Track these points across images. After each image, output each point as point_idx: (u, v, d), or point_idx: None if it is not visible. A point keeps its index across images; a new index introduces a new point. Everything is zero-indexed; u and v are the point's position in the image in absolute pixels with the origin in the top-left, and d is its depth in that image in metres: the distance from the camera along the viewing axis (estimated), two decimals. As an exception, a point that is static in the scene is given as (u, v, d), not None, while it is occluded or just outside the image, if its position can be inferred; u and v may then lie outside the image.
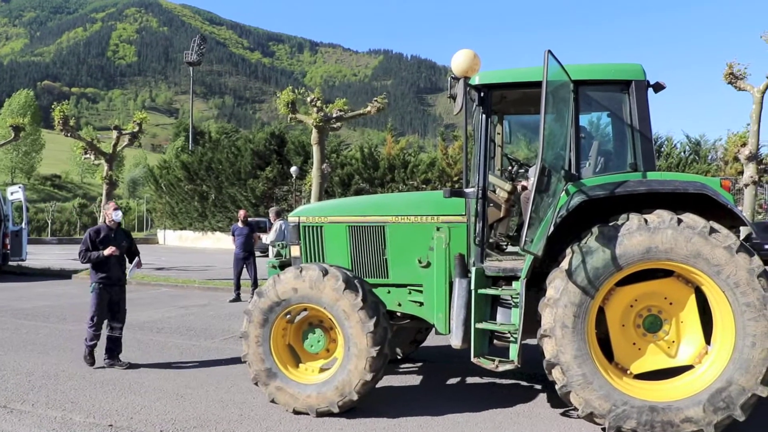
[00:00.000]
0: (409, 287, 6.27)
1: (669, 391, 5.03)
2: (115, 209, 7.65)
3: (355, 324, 5.44)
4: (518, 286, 5.44)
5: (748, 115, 11.23)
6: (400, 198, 7.30)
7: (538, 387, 6.56)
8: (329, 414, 5.53)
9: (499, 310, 5.61)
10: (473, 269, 5.53)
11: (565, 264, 5.09)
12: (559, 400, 5.84)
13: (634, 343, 5.28)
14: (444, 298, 5.92)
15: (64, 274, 18.24)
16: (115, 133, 17.72)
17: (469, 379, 6.92)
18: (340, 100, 14.83)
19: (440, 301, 5.93)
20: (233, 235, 13.06)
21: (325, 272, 5.57)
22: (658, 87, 5.62)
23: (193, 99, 65.55)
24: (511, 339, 5.46)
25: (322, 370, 5.86)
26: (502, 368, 5.29)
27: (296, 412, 5.61)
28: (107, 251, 7.30)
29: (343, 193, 32.96)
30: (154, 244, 42.01)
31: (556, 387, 5.17)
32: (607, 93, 5.67)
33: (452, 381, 6.90)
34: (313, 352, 5.91)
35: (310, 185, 15.00)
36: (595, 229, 5.07)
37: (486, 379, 6.89)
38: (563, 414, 5.68)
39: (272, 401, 5.71)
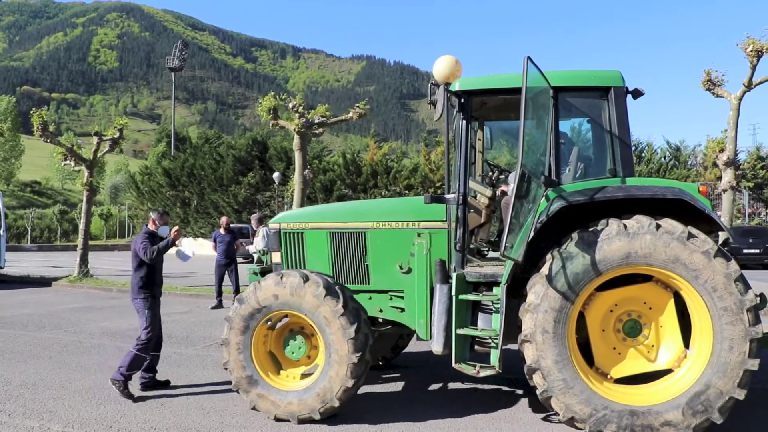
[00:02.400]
0: (390, 293, 6.26)
1: (649, 395, 5.07)
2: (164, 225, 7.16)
3: (336, 330, 5.42)
4: (499, 291, 5.47)
5: (726, 121, 11.42)
6: (381, 204, 7.29)
7: (520, 392, 6.57)
8: (310, 421, 5.49)
9: (480, 315, 5.62)
10: (454, 275, 5.54)
11: (545, 269, 5.11)
12: (541, 405, 5.85)
13: (614, 348, 5.32)
14: (425, 304, 5.92)
15: (43, 282, 17.98)
16: (95, 139, 17.52)
17: (451, 385, 6.92)
18: (322, 106, 14.82)
19: (421, 306, 5.93)
20: (215, 241, 12.97)
21: (306, 278, 5.54)
22: (637, 93, 5.68)
23: (176, 105, 65.25)
24: (492, 344, 5.46)
25: (303, 376, 5.83)
26: (483, 374, 5.29)
27: (277, 419, 5.57)
28: (174, 231, 6.89)
29: (325, 199, 32.91)
30: (136, 250, 41.54)
31: (537, 392, 5.18)
32: (586, 99, 5.73)
33: (434, 387, 6.89)
34: (294, 358, 5.87)
35: (293, 191, 14.94)
36: (574, 235, 5.11)
37: (467, 385, 6.89)
38: (544, 419, 5.69)
39: (253, 408, 5.66)
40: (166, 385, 6.85)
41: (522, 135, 4.85)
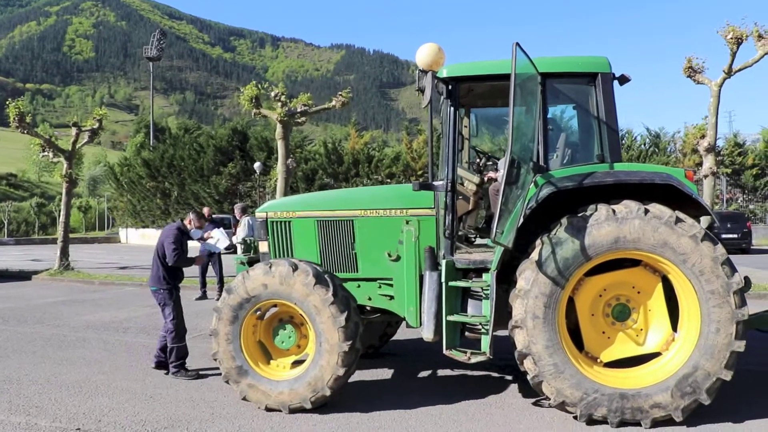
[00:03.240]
0: (378, 281, 6.25)
1: (638, 378, 5.13)
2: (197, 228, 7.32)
3: (326, 319, 5.39)
4: (488, 278, 5.48)
5: (706, 108, 11.55)
6: (369, 192, 7.26)
7: (509, 378, 6.61)
8: (302, 410, 5.48)
9: (470, 302, 5.63)
10: (443, 262, 5.54)
11: (535, 255, 5.13)
12: (531, 390, 5.90)
13: (603, 332, 5.37)
14: (414, 291, 5.92)
15: (23, 276, 17.68)
16: (74, 130, 17.19)
17: (440, 372, 6.94)
18: (304, 95, 14.69)
19: (410, 294, 5.93)
20: (197, 232, 12.82)
21: (295, 267, 5.51)
22: (624, 79, 5.70)
23: (154, 95, 64.24)
24: (482, 331, 5.48)
25: (293, 365, 5.80)
26: (474, 360, 5.32)
27: (268, 409, 5.55)
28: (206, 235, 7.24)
29: (307, 189, 32.75)
30: (116, 243, 41.13)
31: (528, 377, 5.22)
32: (573, 85, 5.73)
33: (424, 374, 6.91)
34: (284, 348, 5.84)
35: (276, 181, 14.83)
36: (564, 220, 5.13)
37: (457, 371, 6.92)
38: (535, 404, 5.73)
39: (244, 399, 5.63)
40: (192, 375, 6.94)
41: (511, 121, 4.84)
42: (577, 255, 5.05)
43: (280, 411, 5.50)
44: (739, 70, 11.15)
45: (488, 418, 5.41)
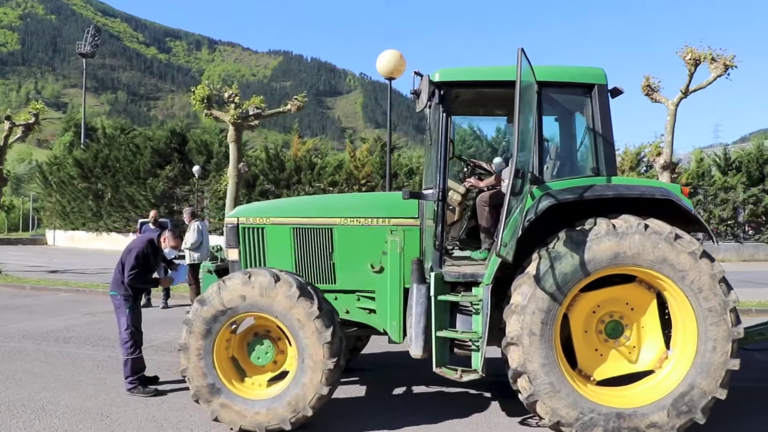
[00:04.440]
0: (358, 293, 5.93)
1: (633, 396, 5.01)
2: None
3: (311, 334, 5.02)
4: (478, 292, 5.26)
5: (663, 126, 11.84)
6: (349, 199, 6.94)
7: (488, 395, 6.40)
8: (280, 432, 5.08)
9: (459, 317, 5.37)
10: (432, 275, 5.27)
11: (532, 269, 4.94)
12: (514, 409, 5.76)
13: (596, 349, 5.23)
14: (398, 304, 5.64)
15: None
16: (7, 124, 15.99)
17: (415, 389, 6.66)
18: (256, 98, 14.19)
19: (394, 307, 5.65)
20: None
21: (277, 278, 5.12)
22: (616, 92, 5.61)
23: (85, 93, 61.39)
24: (473, 347, 5.24)
25: (269, 383, 5.39)
26: (465, 378, 5.06)
27: (242, 431, 5.11)
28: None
29: (247, 194, 31.80)
30: (43, 245, 38.82)
31: (522, 396, 5.01)
32: (569, 96, 5.60)
33: (398, 391, 6.61)
34: (259, 364, 5.42)
35: (226, 185, 14.23)
36: (562, 234, 4.97)
37: (432, 388, 6.66)
38: (522, 423, 5.54)
39: (215, 420, 5.17)
40: (155, 381, 6.52)
41: (517, 130, 4.66)
42: (576, 270, 4.89)
43: (256, 433, 5.09)
44: (694, 90, 11.51)
45: (478, 439, 5.16)
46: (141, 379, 6.28)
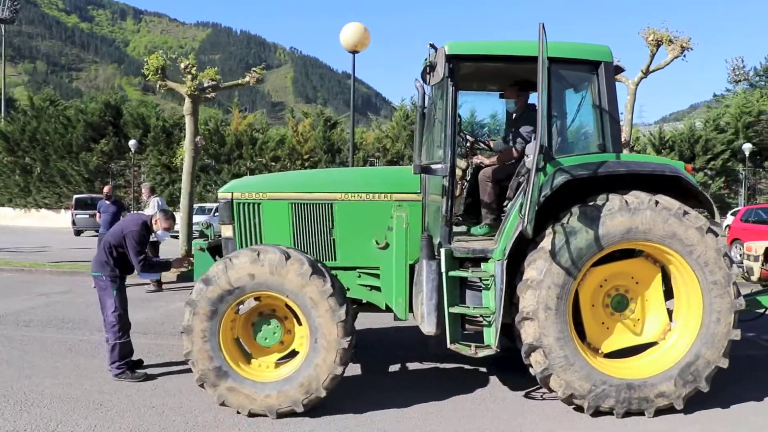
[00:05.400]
0: (359, 270, 5.82)
1: (642, 367, 5.16)
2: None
3: (324, 313, 4.88)
4: (488, 267, 5.26)
5: (623, 105, 12.17)
6: (350, 174, 6.73)
7: (484, 370, 6.44)
8: (291, 414, 4.94)
9: (468, 293, 5.36)
10: (442, 251, 5.22)
11: (547, 244, 4.96)
12: (516, 383, 5.85)
13: (603, 323, 5.34)
14: (404, 281, 5.56)
15: None
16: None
17: (411, 365, 6.63)
18: (210, 69, 13.58)
19: (400, 284, 5.57)
20: (99, 212, 11.48)
21: (288, 256, 4.93)
22: (618, 69, 5.67)
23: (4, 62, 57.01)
24: (485, 323, 5.25)
25: (276, 365, 5.22)
26: (480, 354, 5.05)
27: (251, 415, 4.94)
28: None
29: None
30: (-39, 223, 36.34)
31: (535, 370, 5.06)
32: (575, 72, 5.61)
33: (394, 368, 6.56)
34: (266, 345, 5.23)
35: (182, 158, 13.64)
36: (575, 209, 5.01)
37: (426, 365, 6.64)
38: (527, 396, 5.61)
39: (222, 404, 4.97)
40: (140, 365, 6.21)
41: (541, 106, 4.64)
42: (591, 245, 4.95)
43: (266, 416, 4.93)
44: (656, 70, 11.87)
45: (491, 413, 5.19)
46: (129, 364, 5.96)
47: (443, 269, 5.16)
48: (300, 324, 5.11)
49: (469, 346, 5.11)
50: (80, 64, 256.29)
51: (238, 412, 4.98)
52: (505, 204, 5.90)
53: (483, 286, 5.30)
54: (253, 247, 5.06)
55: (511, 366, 6.24)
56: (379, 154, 30.23)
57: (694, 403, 5.17)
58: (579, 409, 5.12)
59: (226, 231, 5.92)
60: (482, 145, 6.48)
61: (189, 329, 4.94)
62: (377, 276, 5.75)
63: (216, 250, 6.14)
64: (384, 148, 30.31)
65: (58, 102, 38.55)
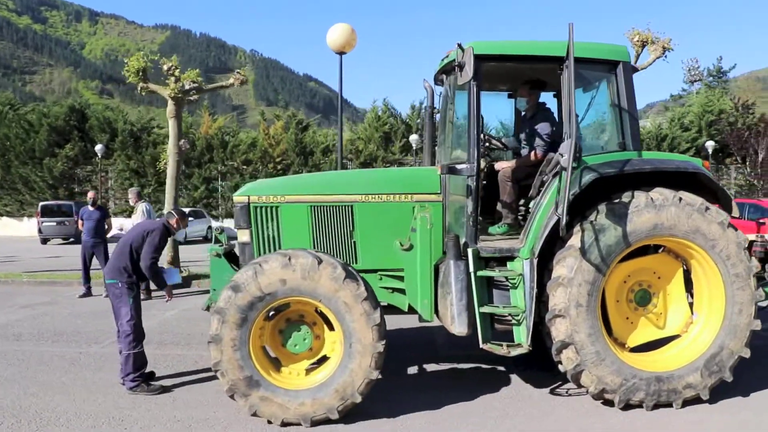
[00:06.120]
0: (380, 273, 5.76)
1: (669, 360, 5.26)
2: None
3: (359, 317, 4.81)
4: (514, 266, 5.29)
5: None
6: (369, 175, 6.66)
7: (503, 369, 6.46)
8: (326, 422, 4.85)
9: (495, 292, 5.38)
10: (470, 251, 5.22)
11: (576, 242, 5.01)
12: (538, 381, 5.91)
13: (627, 318, 5.43)
14: (429, 282, 5.53)
15: None
16: None
17: (428, 367, 6.60)
18: (192, 71, 13.33)
19: (425, 286, 5.53)
20: (81, 219, 11.09)
21: (320, 260, 4.84)
22: (633, 70, 5.77)
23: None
24: (513, 322, 5.26)
25: (307, 371, 5.13)
26: (513, 353, 5.06)
27: (284, 424, 4.83)
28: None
29: (155, 174, 30.14)
30: None
31: (567, 367, 5.10)
32: (594, 72, 5.68)
33: (412, 370, 6.52)
34: (296, 352, 5.13)
35: (165, 162, 13.29)
36: (602, 207, 5.07)
37: (443, 365, 6.63)
38: (552, 393, 5.65)
39: (254, 414, 4.85)
40: (152, 377, 5.99)
41: (573, 105, 4.68)
42: (619, 241, 5.02)
43: (299, 425, 4.83)
44: (640, 69, 12.14)
45: (522, 412, 5.20)
46: (143, 376, 5.76)
47: (471, 269, 5.16)
48: (331, 329, 5.03)
49: (501, 345, 5.12)
50: (33, 67, 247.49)
51: (269, 422, 4.87)
52: (522, 203, 5.94)
53: (510, 285, 5.32)
54: (283, 252, 4.95)
55: (527, 364, 6.29)
56: (352, 156, 30.10)
57: (717, 392, 5.30)
58: (607, 403, 5.19)
59: (243, 235, 5.79)
60: (497, 143, 6.49)
61: (218, 338, 4.80)
62: (399, 278, 5.71)
63: (230, 256, 6.00)
64: (357, 149, 30.21)
65: (18, 106, 37.11)
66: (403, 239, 5.61)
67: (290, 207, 5.73)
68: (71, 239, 25.00)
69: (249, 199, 5.75)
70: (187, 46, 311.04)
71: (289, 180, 6.29)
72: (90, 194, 11.22)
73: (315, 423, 4.84)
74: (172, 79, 12.17)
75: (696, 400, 5.18)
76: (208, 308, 5.82)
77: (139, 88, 12.48)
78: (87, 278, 11.12)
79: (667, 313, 5.45)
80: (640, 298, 5.43)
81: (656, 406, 5.11)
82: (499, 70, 6.21)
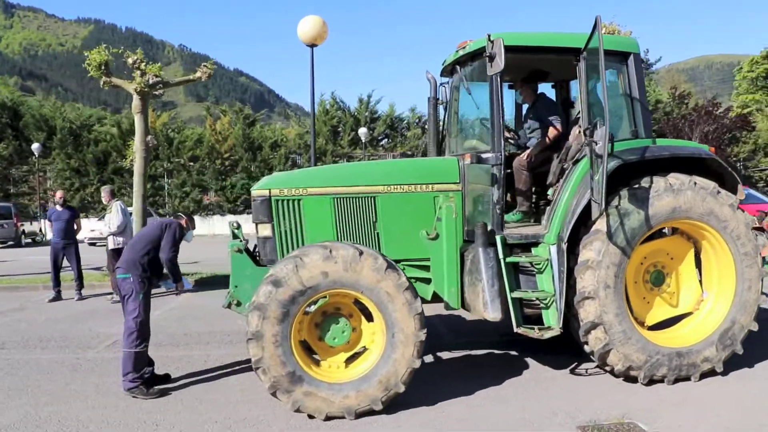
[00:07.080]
0: (404, 263, 5.80)
1: (686, 336, 5.56)
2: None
3: (401, 306, 4.84)
4: (539, 252, 5.46)
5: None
6: (390, 165, 6.66)
7: (515, 353, 6.64)
8: (369, 413, 4.86)
9: (522, 277, 5.54)
10: (498, 238, 5.35)
11: (602, 226, 5.21)
12: (554, 362, 6.09)
13: (644, 297, 5.69)
14: (455, 271, 5.62)
15: None
16: None
17: (443, 355, 6.68)
18: (154, 65, 12.86)
19: (452, 274, 5.61)
20: (50, 220, 10.56)
21: (360, 251, 4.84)
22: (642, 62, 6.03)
23: None
24: (542, 306, 5.43)
25: (347, 364, 5.12)
26: (546, 336, 5.22)
27: (328, 418, 4.81)
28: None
29: (98, 173, 28.96)
30: None
31: (594, 347, 5.31)
32: (607, 62, 5.86)
33: (427, 359, 6.58)
34: (335, 345, 5.11)
35: (132, 159, 12.78)
36: (624, 192, 5.30)
37: (456, 352, 6.74)
38: (572, 373, 5.86)
39: (297, 410, 4.80)
40: (167, 379, 5.78)
41: (605, 94, 4.86)
42: (642, 224, 5.26)
43: (341, 419, 4.82)
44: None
45: (551, 393, 5.35)
46: (143, 378, 5.51)
47: (500, 256, 5.29)
48: (369, 320, 5.04)
49: (533, 328, 5.27)
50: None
51: (310, 417, 4.84)
52: (538, 190, 6.12)
53: (536, 270, 5.49)
54: (323, 244, 4.91)
55: (538, 347, 6.48)
56: (301, 150, 29.82)
57: (728, 364, 5.64)
58: (629, 379, 5.43)
59: (264, 230, 5.70)
60: (509, 135, 6.64)
61: (258, 335, 4.72)
62: (423, 267, 5.76)
63: (249, 251, 5.89)
64: (306, 144, 29.99)
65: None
66: (428, 229, 5.66)
67: (313, 199, 5.68)
68: (10, 243, 23.69)
69: (270, 192, 5.66)
70: (112, 41, 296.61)
71: (310, 172, 6.22)
72: (58, 194, 10.71)
73: (359, 415, 4.83)
74: (138, 73, 11.70)
75: (710, 373, 5.50)
76: (229, 306, 5.71)
77: (102, 83, 11.95)
78: (57, 282, 10.62)
79: (680, 292, 5.75)
80: (654, 279, 5.71)
81: (677, 380, 5.39)
82: (506, 62, 6.35)
